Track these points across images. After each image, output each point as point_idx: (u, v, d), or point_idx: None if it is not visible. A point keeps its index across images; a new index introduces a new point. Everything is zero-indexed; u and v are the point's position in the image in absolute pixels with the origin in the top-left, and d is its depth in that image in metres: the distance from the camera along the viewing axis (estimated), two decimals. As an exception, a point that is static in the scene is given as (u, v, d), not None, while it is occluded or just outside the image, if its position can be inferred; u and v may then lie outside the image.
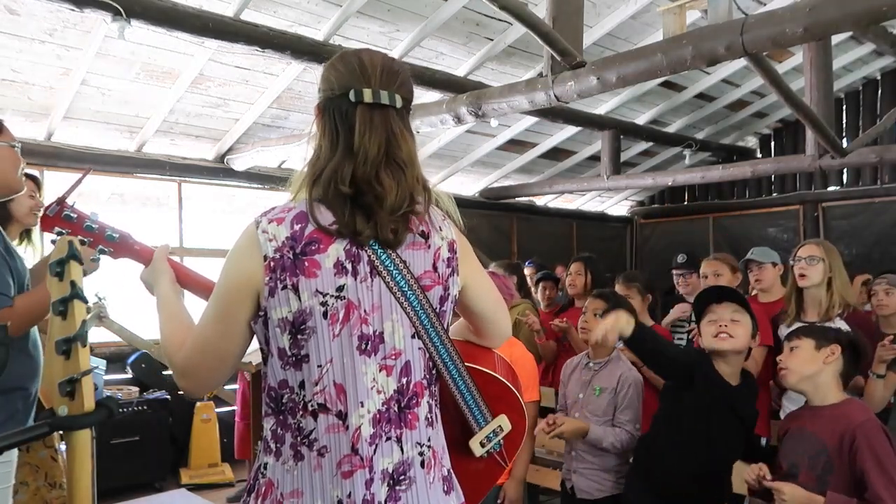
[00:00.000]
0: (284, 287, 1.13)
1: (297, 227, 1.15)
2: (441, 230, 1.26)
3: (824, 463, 1.89)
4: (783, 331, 3.00)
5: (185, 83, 4.74)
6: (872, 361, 2.62)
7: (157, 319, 1.30)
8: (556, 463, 3.29)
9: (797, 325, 2.88)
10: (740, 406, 2.25)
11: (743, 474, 2.11)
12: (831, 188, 8.20)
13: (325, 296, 1.14)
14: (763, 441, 3.24)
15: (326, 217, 1.16)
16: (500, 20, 4.73)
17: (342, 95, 1.18)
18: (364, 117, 1.17)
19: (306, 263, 1.13)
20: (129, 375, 5.22)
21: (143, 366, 5.12)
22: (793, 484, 1.88)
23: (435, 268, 1.24)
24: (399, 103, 1.20)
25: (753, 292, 3.89)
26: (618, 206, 9.78)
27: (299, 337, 1.14)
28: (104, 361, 3.84)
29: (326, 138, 1.19)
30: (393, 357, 1.19)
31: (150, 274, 1.40)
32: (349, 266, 1.15)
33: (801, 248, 2.95)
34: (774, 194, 8.64)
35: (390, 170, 1.17)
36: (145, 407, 4.95)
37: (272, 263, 1.13)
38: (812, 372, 2.05)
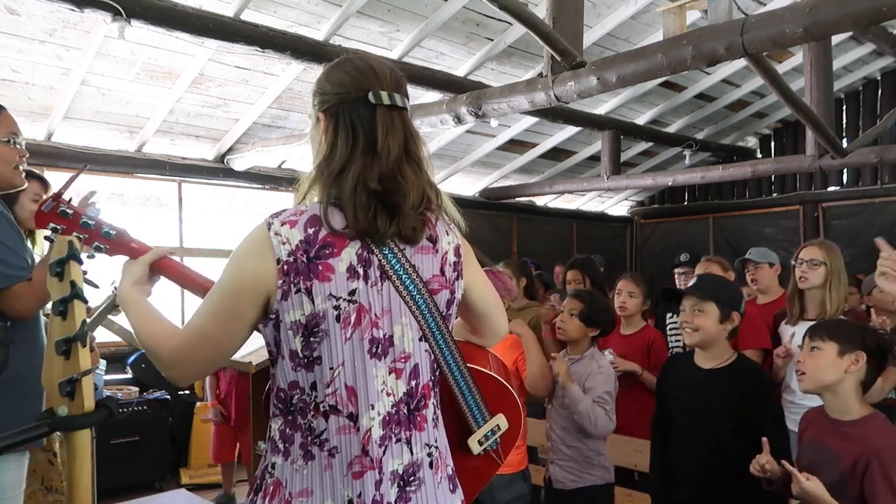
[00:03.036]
0: (298, 291, 1.13)
1: (310, 231, 1.15)
2: (447, 234, 1.29)
3: (837, 483, 1.81)
4: (786, 329, 3.01)
5: (185, 83, 4.74)
6: None
7: (128, 320, 1.29)
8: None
9: (802, 324, 2.87)
10: (717, 385, 2.24)
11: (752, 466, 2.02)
12: (831, 188, 8.20)
13: (338, 299, 1.14)
14: None
15: (338, 220, 1.16)
16: (500, 20, 4.73)
17: (359, 98, 1.20)
18: (386, 118, 1.20)
19: (320, 267, 1.14)
20: (129, 375, 5.22)
21: (143, 366, 5.11)
22: (817, 480, 1.77)
23: (442, 272, 1.26)
24: (407, 105, 1.25)
25: (748, 296, 3.90)
26: (618, 206, 9.78)
27: (312, 339, 1.15)
28: (104, 361, 3.84)
29: (342, 139, 1.19)
30: (402, 360, 1.21)
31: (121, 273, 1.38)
32: (361, 270, 1.16)
33: (802, 249, 2.95)
34: (774, 194, 8.64)
35: (410, 167, 1.20)
36: (145, 407, 4.94)
37: (286, 267, 1.13)
38: (832, 381, 1.90)
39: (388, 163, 1.17)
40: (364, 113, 1.20)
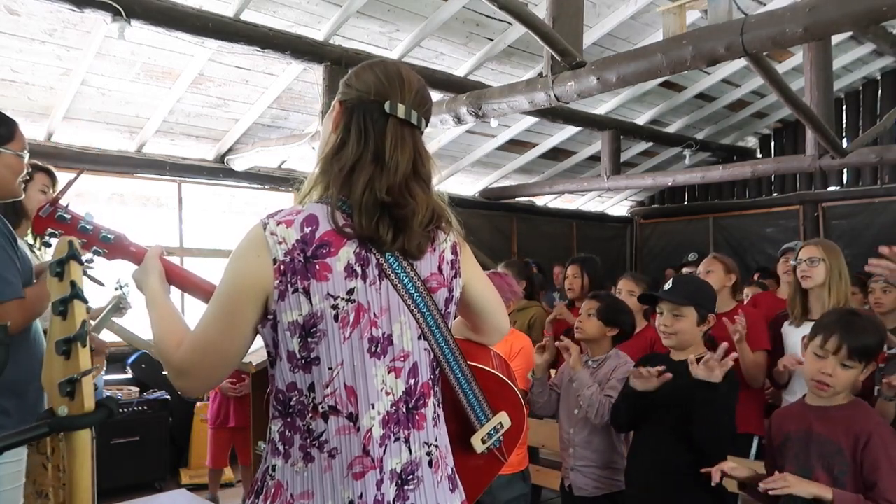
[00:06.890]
0: (295, 290, 1.12)
1: (307, 230, 1.14)
2: (444, 233, 1.28)
3: (840, 463, 1.87)
4: (791, 330, 2.99)
5: (185, 83, 4.74)
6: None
7: (149, 318, 1.29)
8: (557, 464, 3.28)
9: (806, 324, 2.85)
10: (685, 374, 2.21)
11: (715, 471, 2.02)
12: (831, 188, 8.20)
13: (335, 299, 1.14)
14: (755, 440, 3.23)
15: (339, 221, 1.16)
16: (500, 20, 4.73)
17: (376, 102, 1.20)
18: (396, 130, 1.19)
19: (317, 267, 1.13)
20: (129, 375, 5.22)
21: (143, 366, 5.11)
22: (786, 473, 1.84)
23: (440, 270, 1.26)
24: (423, 127, 1.25)
25: (748, 297, 3.89)
26: (618, 206, 9.78)
27: (309, 340, 1.14)
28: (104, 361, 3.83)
29: (353, 137, 1.19)
30: (401, 359, 1.20)
31: (140, 272, 1.40)
32: (359, 269, 1.16)
33: (800, 250, 2.95)
34: (774, 194, 8.64)
35: (419, 184, 1.20)
36: (145, 407, 4.94)
37: (282, 266, 1.12)
38: (851, 390, 2.01)
39: (396, 176, 1.17)
40: (377, 120, 1.19)
